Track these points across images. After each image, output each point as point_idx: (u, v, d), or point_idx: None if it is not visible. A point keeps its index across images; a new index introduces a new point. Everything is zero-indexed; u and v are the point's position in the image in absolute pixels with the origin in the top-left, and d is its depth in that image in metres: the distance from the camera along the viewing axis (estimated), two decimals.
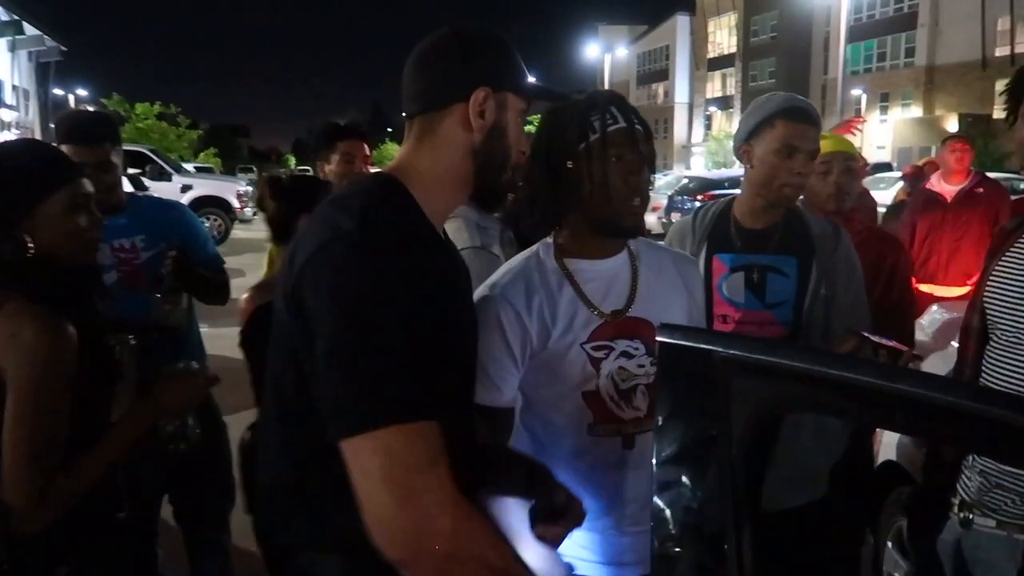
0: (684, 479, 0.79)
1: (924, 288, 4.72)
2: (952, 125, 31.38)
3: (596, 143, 1.54)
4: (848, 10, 18.65)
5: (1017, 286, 1.69)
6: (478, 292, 1.59)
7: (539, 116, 1.67)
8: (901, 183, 7.17)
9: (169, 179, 16.21)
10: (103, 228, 1.74)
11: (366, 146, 3.01)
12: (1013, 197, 5.98)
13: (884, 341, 1.74)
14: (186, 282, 2.47)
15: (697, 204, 15.19)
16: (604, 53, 45.33)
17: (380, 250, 1.12)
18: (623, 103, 1.60)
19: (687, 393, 0.80)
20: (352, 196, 1.21)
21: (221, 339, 2.29)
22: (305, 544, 1.23)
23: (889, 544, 2.76)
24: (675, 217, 16.14)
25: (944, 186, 5.02)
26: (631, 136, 1.55)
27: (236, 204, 16.51)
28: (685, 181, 19.18)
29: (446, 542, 1.04)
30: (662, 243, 2.11)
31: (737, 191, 2.22)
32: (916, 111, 38.76)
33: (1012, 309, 1.69)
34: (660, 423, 0.82)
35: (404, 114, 1.34)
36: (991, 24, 34.86)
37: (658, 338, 0.85)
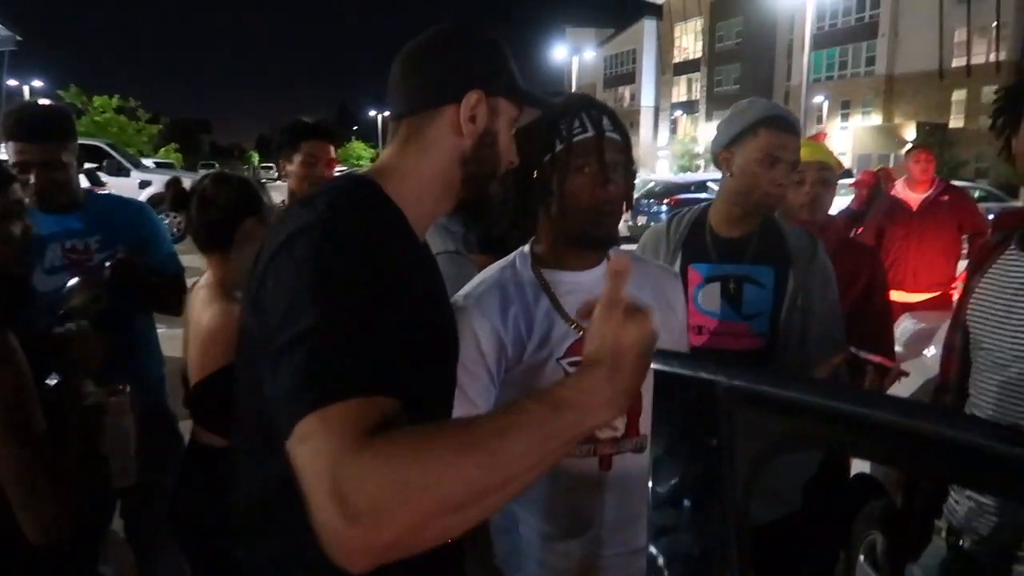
0: (682, 522, 0.72)
1: (893, 296, 4.74)
2: (910, 133, 32.03)
3: (560, 154, 1.49)
4: (812, 18, 18.85)
5: (1001, 303, 1.63)
6: (451, 302, 1.51)
7: None
8: (853, 192, 7.16)
9: (127, 175, 15.75)
10: (37, 237, 1.69)
11: (332, 148, 2.91)
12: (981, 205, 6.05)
13: (871, 357, 1.70)
14: (125, 291, 2.27)
15: (663, 208, 15.37)
16: (572, 56, 45.47)
17: (342, 242, 1.01)
18: (596, 108, 1.53)
19: (686, 428, 0.73)
20: (321, 193, 1.12)
21: (179, 340, 2.20)
22: (283, 573, 1.12)
23: (861, 558, 2.73)
24: (640, 220, 16.22)
25: (909, 194, 5.05)
26: (598, 146, 1.49)
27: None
28: (651, 184, 19.29)
29: (404, 524, 0.79)
30: (641, 253, 2.06)
31: (702, 195, 2.17)
32: (876, 119, 39.53)
33: (996, 326, 1.63)
34: (656, 461, 0.75)
35: (390, 114, 1.25)
36: (948, 35, 35.68)
37: (653, 366, 0.78)
